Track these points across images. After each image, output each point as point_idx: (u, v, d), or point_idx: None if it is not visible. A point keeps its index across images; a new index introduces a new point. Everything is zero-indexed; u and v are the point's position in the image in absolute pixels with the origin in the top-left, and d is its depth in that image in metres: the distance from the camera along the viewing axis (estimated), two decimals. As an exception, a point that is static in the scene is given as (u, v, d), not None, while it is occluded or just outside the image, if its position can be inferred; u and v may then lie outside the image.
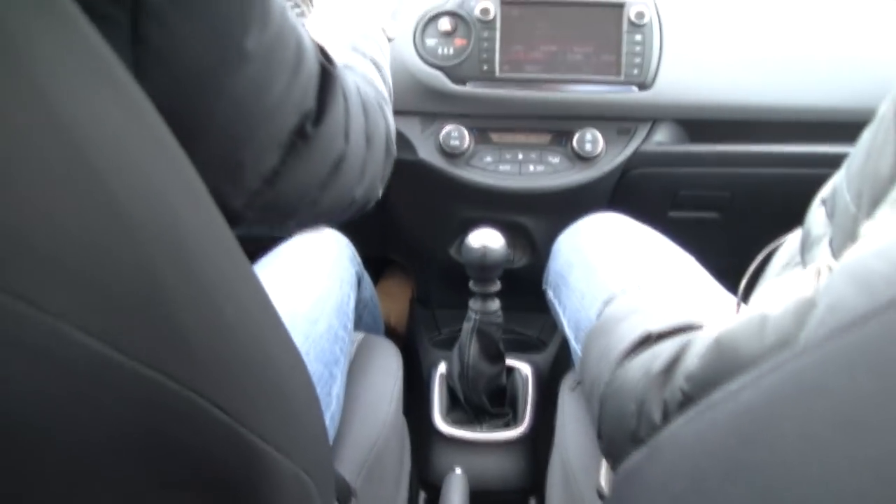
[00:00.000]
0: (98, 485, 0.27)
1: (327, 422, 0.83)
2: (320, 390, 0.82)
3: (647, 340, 0.63)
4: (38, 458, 0.24)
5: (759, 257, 0.78)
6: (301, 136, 0.49)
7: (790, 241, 0.78)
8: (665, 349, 0.56)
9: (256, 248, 1.00)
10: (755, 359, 0.45)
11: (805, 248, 0.71)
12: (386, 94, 0.72)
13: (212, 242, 0.37)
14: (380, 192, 0.69)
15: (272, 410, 0.43)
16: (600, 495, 0.79)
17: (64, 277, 0.25)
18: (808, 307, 0.42)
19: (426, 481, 1.33)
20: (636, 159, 1.28)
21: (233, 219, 0.51)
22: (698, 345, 0.52)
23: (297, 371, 0.50)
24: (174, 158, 0.35)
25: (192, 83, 0.41)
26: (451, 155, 1.27)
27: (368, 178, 0.63)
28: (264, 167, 0.48)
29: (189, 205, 0.35)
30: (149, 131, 0.33)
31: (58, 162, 0.25)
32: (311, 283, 0.94)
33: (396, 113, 1.26)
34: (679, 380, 0.52)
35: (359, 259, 1.11)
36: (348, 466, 0.87)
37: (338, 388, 0.87)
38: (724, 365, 0.48)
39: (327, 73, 0.52)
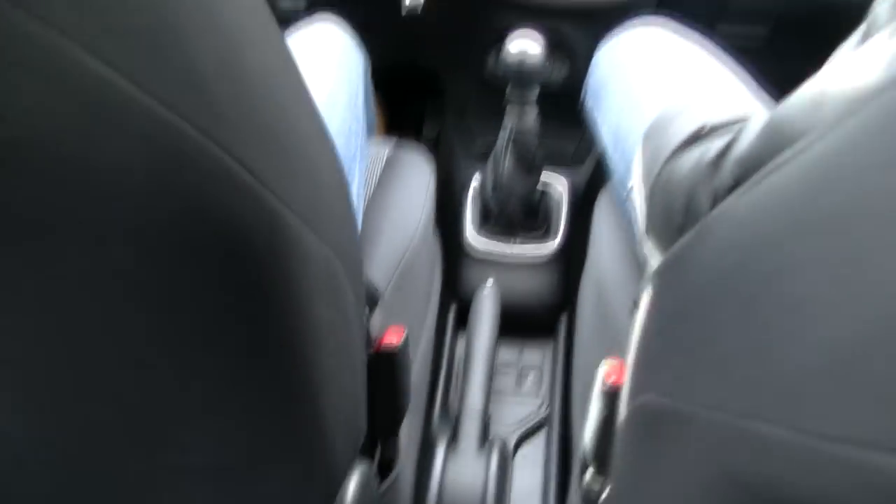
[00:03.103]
0: (111, 227, 0.26)
1: None
2: None
3: (702, 133, 0.59)
4: (50, 182, 0.23)
5: None
6: None
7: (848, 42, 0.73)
8: (718, 140, 0.53)
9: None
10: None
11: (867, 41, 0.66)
12: None
13: None
14: None
15: (299, 180, 0.41)
16: (636, 304, 0.77)
17: None
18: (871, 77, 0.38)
19: (457, 295, 1.34)
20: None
21: None
22: (750, 129, 0.49)
23: (322, 143, 0.47)
24: None
25: None
26: (488, -45, 1.20)
27: None
28: None
29: None
30: None
31: None
32: (319, 81, 0.88)
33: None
34: (729, 165, 0.48)
35: (364, 47, 1.04)
36: (377, 273, 0.86)
37: (357, 187, 0.84)
38: (778, 142, 0.44)
39: None
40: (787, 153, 0.32)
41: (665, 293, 0.46)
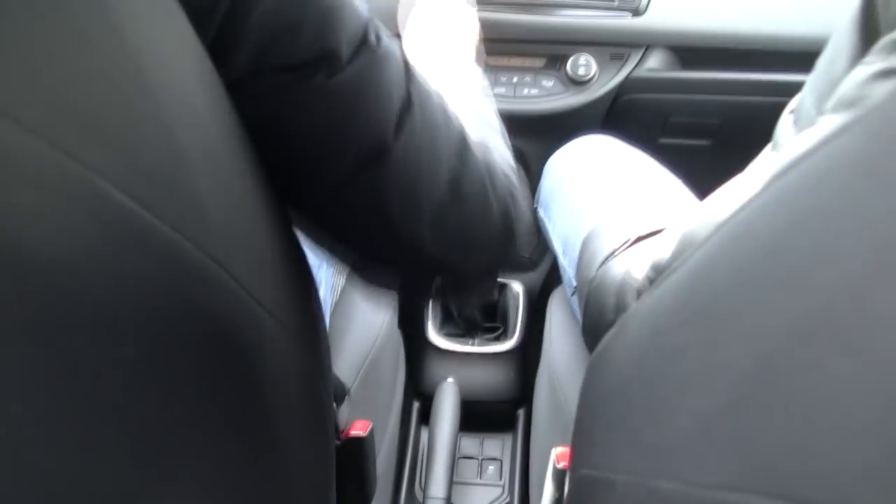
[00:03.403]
0: (123, 328, 0.29)
1: None
2: None
3: (630, 242, 0.67)
4: (74, 294, 0.26)
5: None
6: (380, 150, 0.46)
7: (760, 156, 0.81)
8: (644, 247, 0.60)
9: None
10: None
11: None
12: (512, 172, 0.63)
13: (222, 122, 0.39)
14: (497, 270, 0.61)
15: (277, 288, 0.45)
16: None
17: (101, 136, 0.27)
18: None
19: (420, 391, 1.39)
20: (628, 85, 1.30)
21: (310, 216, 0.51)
22: (667, 238, 0.56)
23: (296, 254, 0.52)
24: (201, 59, 0.38)
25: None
26: (447, 77, 1.29)
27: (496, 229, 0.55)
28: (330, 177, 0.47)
29: (207, 92, 0.38)
30: (183, 40, 0.36)
31: (103, 48, 0.29)
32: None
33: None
34: (648, 270, 0.56)
35: None
36: (344, 370, 0.91)
37: (324, 292, 0.90)
38: (682, 251, 0.52)
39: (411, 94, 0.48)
40: (677, 262, 0.39)
41: (594, 380, 0.53)
